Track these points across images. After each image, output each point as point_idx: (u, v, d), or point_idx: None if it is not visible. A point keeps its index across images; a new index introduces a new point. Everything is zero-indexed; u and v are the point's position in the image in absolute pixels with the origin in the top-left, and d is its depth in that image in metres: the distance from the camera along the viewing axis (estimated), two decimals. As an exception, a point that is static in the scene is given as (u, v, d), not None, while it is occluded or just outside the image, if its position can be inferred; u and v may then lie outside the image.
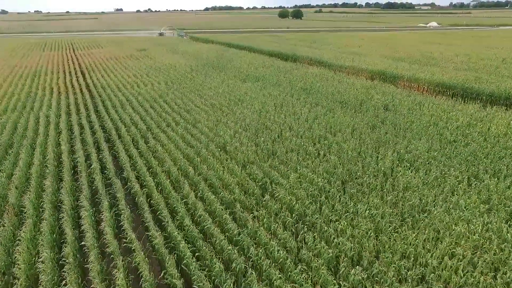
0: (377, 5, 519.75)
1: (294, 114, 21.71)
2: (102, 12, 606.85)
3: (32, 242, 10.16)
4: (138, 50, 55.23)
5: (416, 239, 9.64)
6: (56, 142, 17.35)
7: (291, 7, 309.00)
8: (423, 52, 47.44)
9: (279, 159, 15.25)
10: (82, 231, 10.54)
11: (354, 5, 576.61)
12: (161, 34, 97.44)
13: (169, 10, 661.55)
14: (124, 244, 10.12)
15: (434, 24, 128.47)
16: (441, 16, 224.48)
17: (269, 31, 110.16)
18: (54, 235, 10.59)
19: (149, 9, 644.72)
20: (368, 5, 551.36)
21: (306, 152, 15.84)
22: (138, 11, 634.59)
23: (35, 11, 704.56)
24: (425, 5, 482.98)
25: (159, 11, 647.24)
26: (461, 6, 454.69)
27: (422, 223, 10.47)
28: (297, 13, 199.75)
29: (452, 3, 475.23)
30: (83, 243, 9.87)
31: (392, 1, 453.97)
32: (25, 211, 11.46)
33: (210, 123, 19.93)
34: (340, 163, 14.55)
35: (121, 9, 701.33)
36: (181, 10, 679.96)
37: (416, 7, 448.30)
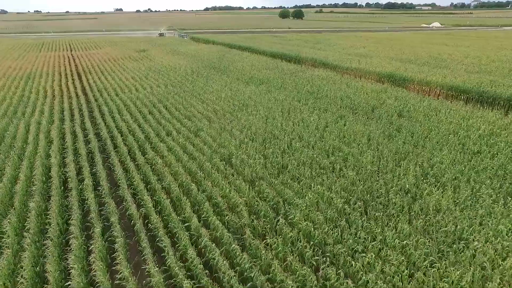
0: (377, 5, 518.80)
1: (303, 121, 20.30)
2: (102, 12, 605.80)
3: (10, 278, 8.75)
4: (137, 51, 53.81)
5: (461, 279, 8.22)
6: (46, 153, 15.93)
7: (291, 7, 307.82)
8: (431, 54, 46.05)
9: (290, 174, 13.83)
10: (69, 265, 9.12)
11: (355, 5, 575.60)
12: (161, 35, 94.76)
13: (169, 10, 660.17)
14: (118, 281, 8.71)
15: (437, 24, 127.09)
16: (442, 17, 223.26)
17: (271, 32, 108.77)
18: (38, 268, 9.19)
19: (149, 9, 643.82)
20: (368, 5, 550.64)
21: (319, 165, 14.42)
22: (138, 11, 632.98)
23: (34, 11, 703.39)
24: (425, 5, 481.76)
25: (159, 11, 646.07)
26: (462, 6, 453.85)
27: (462, 256, 9.06)
28: (298, 13, 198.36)
29: (452, 3, 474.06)
30: (68, 283, 8.44)
31: (393, 1, 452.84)
32: (4, 238, 10.03)
33: (214, 132, 18.52)
34: (359, 179, 13.14)
35: (121, 9, 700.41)
36: (181, 10, 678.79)
37: (416, 8, 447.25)
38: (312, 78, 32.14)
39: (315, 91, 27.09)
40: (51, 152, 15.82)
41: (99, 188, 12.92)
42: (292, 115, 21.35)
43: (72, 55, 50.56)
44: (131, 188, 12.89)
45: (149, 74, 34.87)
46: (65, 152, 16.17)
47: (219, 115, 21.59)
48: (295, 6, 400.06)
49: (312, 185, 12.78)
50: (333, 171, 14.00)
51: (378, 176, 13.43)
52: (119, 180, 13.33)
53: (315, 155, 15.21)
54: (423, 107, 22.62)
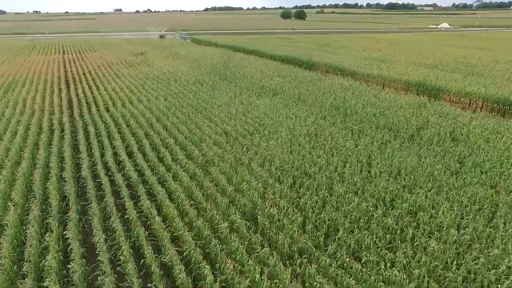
0: (378, 5, 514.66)
1: (337, 148, 16.21)
2: (101, 12, 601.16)
3: None
4: (134, 55, 49.67)
5: None
6: (3, 203, 11.81)
7: (291, 8, 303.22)
8: (456, 58, 42.01)
9: (343, 242, 9.73)
10: None
11: (355, 5, 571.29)
12: (162, 37, 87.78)
13: (169, 11, 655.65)
14: None
15: (445, 25, 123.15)
16: (446, 17, 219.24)
17: (274, 33, 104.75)
18: None
19: (148, 10, 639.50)
20: (369, 5, 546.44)
21: (382, 226, 10.33)
22: (137, 11, 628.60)
23: (33, 11, 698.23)
24: (426, 5, 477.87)
25: (158, 11, 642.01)
26: (464, 6, 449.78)
27: None
28: (300, 13, 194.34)
29: (454, 3, 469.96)
30: None
31: (394, 2, 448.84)
32: None
33: (227, 165, 14.40)
34: (450, 257, 9.01)
35: (120, 10, 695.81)
36: (180, 10, 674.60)
37: (418, 8, 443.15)
38: (333, 88, 28.05)
39: (341, 106, 22.98)
40: (13, 195, 11.70)
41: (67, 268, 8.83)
42: (321, 140, 17.26)
43: (63, 59, 46.42)
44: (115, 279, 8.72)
45: (146, 83, 30.73)
46: (29, 201, 12.04)
47: (231, 140, 17.49)
48: (295, 7, 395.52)
49: (382, 266, 8.68)
50: (404, 240, 9.86)
51: (473, 250, 9.31)
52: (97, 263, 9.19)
53: (369, 207, 11.11)
54: (479, 128, 18.55)
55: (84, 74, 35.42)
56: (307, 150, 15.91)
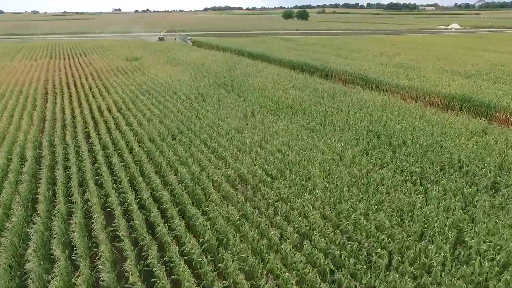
0: (379, 5, 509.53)
1: (402, 209, 11.38)
2: (100, 12, 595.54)
3: None
4: (128, 60, 44.80)
5: None
6: None
7: (291, 8, 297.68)
8: (493, 65, 37.15)
9: None
10: None
11: (356, 5, 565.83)
12: (161, 39, 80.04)
13: (168, 11, 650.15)
14: None
15: (456, 26, 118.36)
16: (449, 17, 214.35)
17: (278, 34, 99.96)
18: None
19: (147, 9, 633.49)
20: (369, 5, 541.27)
21: None
22: (136, 11, 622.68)
23: (32, 11, 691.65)
24: (428, 5, 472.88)
25: (157, 11, 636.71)
26: (466, 6, 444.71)
27: None
28: (302, 13, 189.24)
29: (456, 3, 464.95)
30: None
31: (395, 2, 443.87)
32: None
33: (247, 248, 9.55)
34: None
35: (119, 10, 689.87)
36: (180, 10, 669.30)
37: (419, 8, 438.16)
38: (365, 105, 23.20)
39: (381, 132, 18.15)
40: None
41: None
42: (373, 192, 12.43)
43: (48, 65, 41.48)
44: None
45: (138, 98, 25.84)
46: None
47: (249, 191, 12.64)
48: (295, 6, 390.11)
49: None
50: None
51: None
52: None
53: None
54: None
55: (68, 85, 30.54)
56: (360, 213, 11.07)
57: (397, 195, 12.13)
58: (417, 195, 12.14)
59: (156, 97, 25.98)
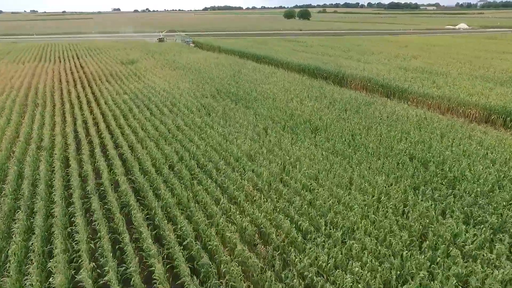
0: (379, 5, 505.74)
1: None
2: (99, 12, 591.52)
3: None
4: (124, 63, 41.31)
5: None
6: None
7: (291, 7, 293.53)
8: (525, 70, 33.72)
9: None
10: None
11: (356, 5, 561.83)
12: (161, 40, 74.79)
13: (167, 10, 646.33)
14: None
15: (464, 26, 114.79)
16: (450, 17, 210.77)
17: (280, 34, 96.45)
18: None
19: (147, 9, 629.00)
20: (370, 5, 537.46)
21: None
22: (135, 11, 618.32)
23: (31, 10, 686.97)
24: (429, 5, 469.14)
25: (157, 11, 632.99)
26: (468, 6, 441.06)
27: None
28: (304, 13, 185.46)
29: (458, 3, 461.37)
30: None
31: (396, 1, 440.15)
32: None
33: None
34: None
35: (118, 9, 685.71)
36: (179, 10, 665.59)
37: (421, 7, 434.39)
38: (395, 120, 19.75)
39: (427, 159, 14.70)
40: None
41: None
42: (446, 262, 8.97)
43: (35, 69, 37.91)
44: None
45: (132, 111, 22.32)
46: None
47: (272, 258, 9.18)
48: (296, 6, 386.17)
49: None
50: None
51: None
52: None
53: None
54: None
55: (53, 94, 27.01)
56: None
57: (484, 267, 8.66)
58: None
59: (151, 109, 22.46)
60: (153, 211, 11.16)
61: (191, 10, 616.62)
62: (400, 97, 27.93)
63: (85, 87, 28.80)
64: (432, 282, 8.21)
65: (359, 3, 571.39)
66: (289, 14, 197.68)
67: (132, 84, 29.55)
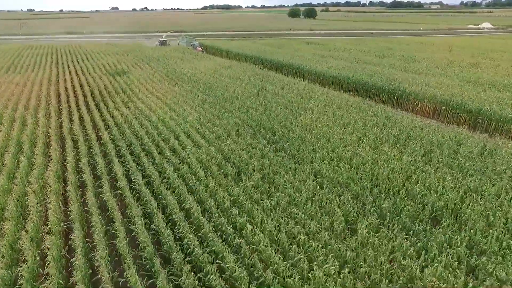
0: (381, 3, 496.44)
1: None
2: (96, 10, 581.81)
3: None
4: (112, 74, 32.62)
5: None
6: None
7: (291, 6, 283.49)
8: None
9: None
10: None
11: (357, 3, 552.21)
12: (163, 43, 61.82)
13: (166, 9, 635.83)
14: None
15: (488, 25, 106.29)
16: (453, 16, 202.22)
17: (292, 35, 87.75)
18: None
19: (145, 8, 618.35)
20: (371, 3, 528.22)
21: None
22: (134, 9, 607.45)
23: (27, 9, 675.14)
24: (432, 3, 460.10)
25: (155, 9, 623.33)
26: (472, 5, 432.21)
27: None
28: (310, 12, 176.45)
29: (463, 1, 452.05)
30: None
31: (399, 0, 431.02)
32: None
33: None
34: None
35: (116, 8, 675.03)
36: (178, 8, 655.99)
37: (424, 6, 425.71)
38: None
39: None
40: None
41: None
42: None
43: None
44: None
45: (112, 162, 13.70)
46: None
47: None
48: (296, 5, 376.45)
49: None
50: None
51: None
52: None
53: None
54: None
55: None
56: None
57: None
58: None
59: (137, 180, 13.32)
60: None
61: (190, 9, 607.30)
62: (500, 131, 19.51)
63: (47, 116, 20.11)
64: None
65: (360, 2, 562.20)
66: (294, 13, 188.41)
67: (116, 111, 20.86)
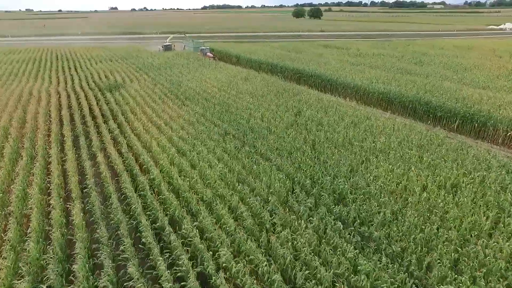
0: (383, 3, 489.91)
1: None
2: (95, 10, 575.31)
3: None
4: (101, 90, 26.13)
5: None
6: None
7: (291, 6, 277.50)
8: None
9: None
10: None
11: (359, 3, 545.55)
12: (167, 48, 52.99)
13: (165, 9, 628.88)
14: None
15: (510, 25, 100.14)
16: (458, 16, 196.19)
17: (302, 36, 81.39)
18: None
19: (144, 8, 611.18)
20: (373, 3, 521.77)
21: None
22: (133, 9, 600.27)
23: (26, 9, 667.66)
24: (435, 3, 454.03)
25: (155, 9, 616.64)
26: (476, 5, 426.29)
27: None
28: (316, 12, 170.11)
29: (467, 1, 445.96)
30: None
31: (401, 0, 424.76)
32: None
33: None
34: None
35: (115, 8, 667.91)
36: (177, 9, 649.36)
37: (428, 6, 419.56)
38: None
39: None
40: None
41: None
42: None
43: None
44: None
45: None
46: None
47: None
48: (296, 5, 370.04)
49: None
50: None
51: None
52: None
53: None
54: None
55: None
56: None
57: None
58: None
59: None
60: None
61: (189, 9, 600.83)
62: None
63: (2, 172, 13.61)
64: None
65: (361, 1, 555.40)
66: (298, 13, 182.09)
67: (103, 156, 14.34)
